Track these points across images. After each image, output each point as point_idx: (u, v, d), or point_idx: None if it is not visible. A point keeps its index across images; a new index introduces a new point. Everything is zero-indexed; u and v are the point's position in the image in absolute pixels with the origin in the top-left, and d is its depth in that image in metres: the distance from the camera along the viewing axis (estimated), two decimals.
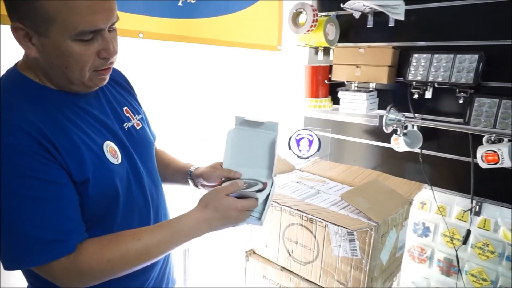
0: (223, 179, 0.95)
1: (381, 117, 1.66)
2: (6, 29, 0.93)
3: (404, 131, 1.65)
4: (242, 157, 0.96)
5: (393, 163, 1.80)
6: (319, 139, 1.59)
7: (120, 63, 0.82)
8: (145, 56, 1.38)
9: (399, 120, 1.63)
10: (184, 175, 1.03)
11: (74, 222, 0.70)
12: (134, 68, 1.11)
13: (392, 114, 1.62)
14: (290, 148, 1.62)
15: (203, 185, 1.02)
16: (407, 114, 1.66)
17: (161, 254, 0.77)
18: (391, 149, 1.74)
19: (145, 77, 1.36)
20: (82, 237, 0.72)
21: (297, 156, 1.62)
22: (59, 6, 0.63)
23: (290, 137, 1.62)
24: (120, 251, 0.72)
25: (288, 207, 1.30)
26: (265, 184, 0.89)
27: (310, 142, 1.61)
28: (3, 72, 0.85)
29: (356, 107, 1.75)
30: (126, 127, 0.85)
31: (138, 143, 0.87)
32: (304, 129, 1.63)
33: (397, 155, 1.75)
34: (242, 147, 0.96)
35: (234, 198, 0.82)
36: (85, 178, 0.71)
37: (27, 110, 0.67)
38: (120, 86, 0.93)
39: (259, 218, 0.85)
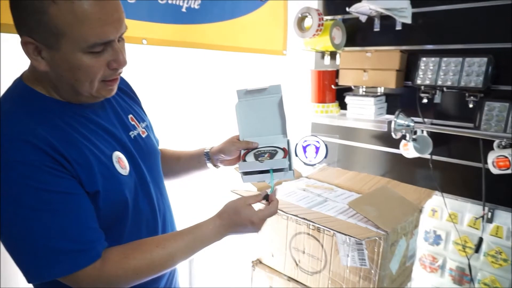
0: (242, 150, 0.99)
1: (389, 122, 1.68)
2: (6, 37, 0.99)
3: (414, 136, 1.66)
4: (255, 126, 1.01)
5: (402, 169, 1.81)
6: (326, 145, 1.60)
7: (123, 69, 0.83)
8: (149, 62, 1.40)
9: (408, 125, 1.64)
10: (199, 158, 1.07)
11: (94, 230, 0.73)
12: (138, 75, 1.13)
13: (400, 119, 1.64)
14: (296, 155, 1.64)
15: (222, 161, 1.06)
16: (416, 119, 1.67)
17: (184, 259, 0.82)
18: (400, 155, 1.75)
19: (150, 84, 1.38)
20: (104, 245, 0.75)
21: (304, 163, 1.63)
22: (69, 19, 0.64)
23: (297, 144, 1.63)
24: (145, 259, 0.76)
25: (295, 215, 1.30)
26: (285, 150, 0.95)
27: (317, 148, 1.62)
28: (3, 80, 0.87)
29: (364, 112, 1.77)
30: (132, 136, 0.87)
31: (144, 152, 0.89)
32: (310, 136, 1.64)
33: (406, 161, 1.76)
34: (252, 117, 1.01)
35: (253, 211, 0.85)
36: (95, 190, 0.73)
37: (36, 124, 0.69)
38: (125, 93, 0.95)
39: (289, 169, 0.94)
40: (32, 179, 0.66)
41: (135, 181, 0.83)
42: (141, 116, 0.95)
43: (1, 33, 0.99)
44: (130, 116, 0.90)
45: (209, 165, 1.07)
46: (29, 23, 0.66)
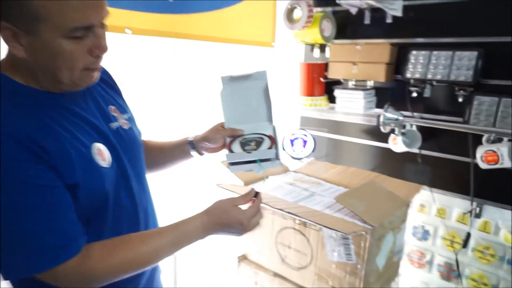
0: (227, 138, 1.00)
1: (378, 116, 1.67)
2: None
3: (403, 130, 1.66)
4: (240, 113, 1.01)
5: (391, 164, 1.81)
6: (314, 139, 1.60)
7: (106, 60, 0.83)
8: (134, 53, 1.38)
9: (397, 119, 1.64)
10: (183, 147, 1.06)
11: (74, 224, 0.72)
12: (122, 66, 1.12)
13: (389, 113, 1.64)
14: (284, 149, 1.63)
15: (208, 149, 1.05)
16: (405, 113, 1.67)
17: (169, 255, 0.82)
18: (389, 149, 1.76)
19: (134, 75, 1.36)
20: (84, 239, 0.74)
21: (291, 157, 1.63)
22: (50, 3, 0.63)
23: (284, 137, 1.63)
24: (129, 256, 0.75)
25: (281, 210, 1.29)
26: (271, 138, 0.96)
27: (305, 142, 1.62)
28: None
29: (353, 106, 1.77)
30: (114, 127, 0.86)
31: (126, 144, 0.88)
32: (298, 129, 1.64)
33: (395, 156, 1.77)
34: (237, 103, 1.01)
35: (242, 211, 0.86)
36: (74, 182, 0.72)
37: (14, 115, 0.67)
38: (107, 84, 0.93)
39: (276, 158, 0.94)
40: (10, 172, 0.65)
41: (116, 174, 0.82)
42: (123, 108, 0.94)
43: None
44: (112, 107, 0.89)
45: (194, 153, 1.06)
46: (7, 7, 0.64)
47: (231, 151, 0.97)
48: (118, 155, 0.84)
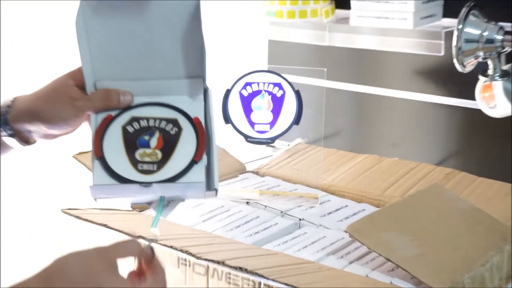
0: (94, 116, 1.03)
1: (449, 34, 1.64)
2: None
3: (504, 67, 1.65)
4: (128, 56, 1.07)
5: (481, 145, 1.89)
6: (298, 94, 1.56)
7: None
8: None
9: (491, 41, 1.60)
10: None
11: None
12: None
13: (473, 27, 1.60)
14: (229, 120, 1.59)
15: (47, 135, 1.10)
16: (508, 26, 1.65)
17: None
18: (478, 111, 1.75)
19: None
20: None
21: (246, 137, 1.61)
22: None
23: (229, 91, 1.60)
24: None
25: (222, 263, 1.28)
26: (198, 126, 1.00)
27: (278, 101, 1.58)
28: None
29: (391, 15, 1.81)
30: None
31: None
32: (262, 72, 1.59)
33: (490, 127, 1.80)
34: (119, 35, 1.06)
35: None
36: None
37: None
38: None
39: (209, 187, 0.99)
40: None
41: None
42: None
43: None
44: None
45: (11, 141, 1.09)
46: None
47: (98, 154, 0.99)
48: None
